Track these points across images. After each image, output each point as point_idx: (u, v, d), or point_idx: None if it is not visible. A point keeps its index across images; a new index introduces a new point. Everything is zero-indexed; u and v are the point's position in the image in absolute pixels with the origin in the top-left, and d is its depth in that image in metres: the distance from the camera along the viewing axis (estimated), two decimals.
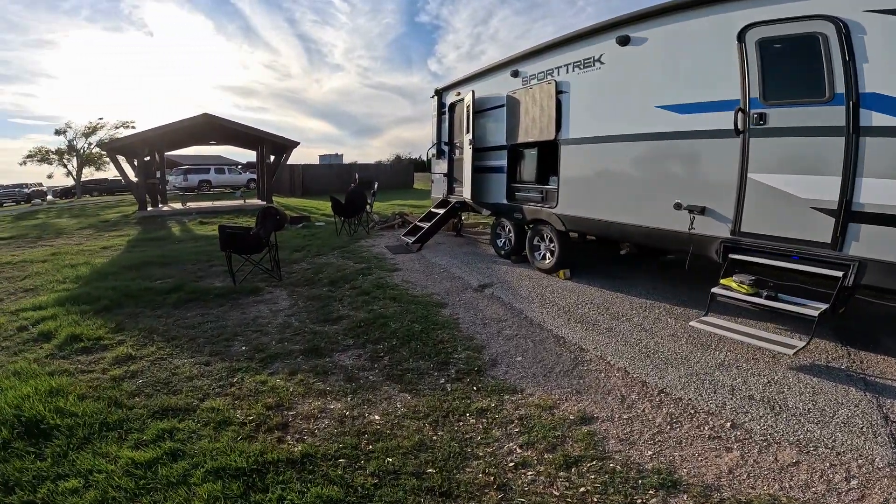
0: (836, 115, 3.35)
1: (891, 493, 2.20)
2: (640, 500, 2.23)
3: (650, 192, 4.76)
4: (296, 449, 2.64)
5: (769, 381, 3.28)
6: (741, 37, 3.81)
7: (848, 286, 3.40)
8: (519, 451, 2.62)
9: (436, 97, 9.43)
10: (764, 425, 2.77)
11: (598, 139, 5.32)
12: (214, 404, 3.09)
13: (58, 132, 33.45)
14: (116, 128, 33.02)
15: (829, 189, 3.40)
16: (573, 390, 3.27)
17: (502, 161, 7.17)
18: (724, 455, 2.53)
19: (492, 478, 2.39)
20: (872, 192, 3.22)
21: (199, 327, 4.54)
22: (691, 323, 4.02)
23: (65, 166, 34.42)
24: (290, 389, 3.30)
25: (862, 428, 2.70)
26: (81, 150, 33.47)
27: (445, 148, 9.21)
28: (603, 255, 7.03)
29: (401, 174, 29.88)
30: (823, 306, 3.48)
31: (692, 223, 4.22)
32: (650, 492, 2.27)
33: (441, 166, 9.41)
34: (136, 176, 16.70)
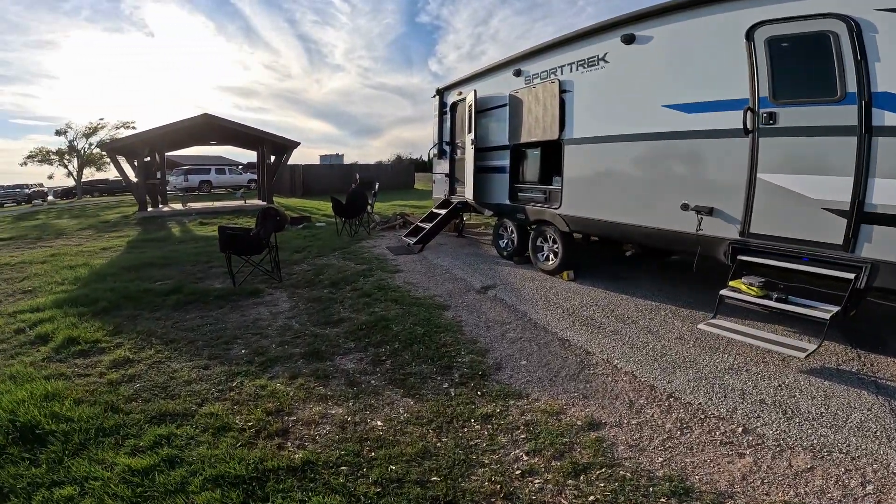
0: (847, 115, 3.29)
1: None
2: None
3: (656, 192, 4.69)
4: (296, 456, 2.58)
5: (780, 385, 3.22)
6: (750, 35, 3.74)
7: (860, 288, 3.34)
8: (525, 458, 2.55)
9: (437, 97, 9.36)
10: (776, 430, 2.71)
11: (602, 139, 5.25)
12: (213, 409, 3.02)
13: (58, 133, 33.49)
14: (117, 128, 33.05)
15: (840, 190, 3.33)
16: (580, 395, 3.20)
17: (505, 161, 7.11)
18: (737, 461, 2.47)
19: (498, 486, 2.32)
20: (885, 193, 3.15)
21: (199, 330, 4.48)
22: (699, 326, 3.95)
23: (65, 167, 34.43)
24: (291, 394, 3.23)
25: (875, 432, 2.65)
26: (82, 151, 33.45)
27: (447, 148, 9.14)
28: (606, 255, 6.96)
29: (402, 174, 29.83)
30: (835, 309, 3.41)
31: (700, 224, 4.15)
32: (662, 500, 2.21)
33: (442, 166, 9.35)
34: (136, 176, 16.65)
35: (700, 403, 3.02)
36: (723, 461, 2.48)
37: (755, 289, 3.68)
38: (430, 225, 8.31)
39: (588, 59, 5.36)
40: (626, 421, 2.88)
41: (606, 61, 5.14)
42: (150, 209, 16.34)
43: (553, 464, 2.49)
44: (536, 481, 2.36)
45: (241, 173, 31.58)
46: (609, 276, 6.11)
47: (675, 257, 6.92)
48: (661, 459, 2.51)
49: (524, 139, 6.58)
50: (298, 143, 18.00)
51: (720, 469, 2.42)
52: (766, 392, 3.13)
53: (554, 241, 6.20)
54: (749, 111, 3.73)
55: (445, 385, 3.36)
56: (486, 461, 2.53)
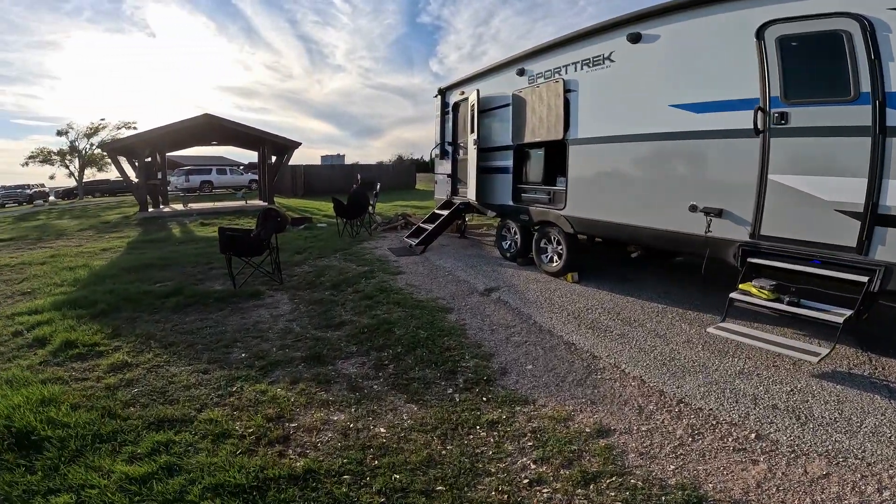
0: (861, 115, 3.22)
1: None
2: None
3: (664, 193, 4.62)
4: (298, 464, 2.51)
5: (792, 390, 3.15)
6: (760, 34, 3.68)
7: (873, 292, 3.27)
8: (533, 466, 2.48)
9: (439, 97, 9.30)
10: (790, 436, 2.65)
11: (608, 139, 5.18)
12: (212, 415, 2.96)
13: (59, 133, 33.36)
14: (118, 128, 32.88)
15: (854, 191, 3.26)
16: (588, 401, 3.13)
17: (508, 161, 7.04)
18: (751, 468, 2.41)
19: (505, 496, 2.26)
20: None
21: (198, 333, 4.41)
22: (709, 329, 3.88)
23: (67, 167, 34.35)
24: (292, 399, 3.16)
25: (890, 437, 2.59)
26: (83, 152, 33.39)
27: (449, 148, 9.08)
28: (611, 257, 6.90)
29: (403, 174, 29.78)
30: (848, 312, 3.35)
31: (709, 226, 4.08)
32: None
33: (445, 167, 9.28)
34: (136, 177, 16.60)
35: (711, 409, 2.96)
36: (736, 468, 2.42)
37: (766, 292, 3.61)
38: (433, 226, 8.24)
39: (593, 58, 5.29)
40: (635, 427, 2.81)
41: (612, 60, 5.07)
42: (150, 210, 16.30)
43: (562, 472, 2.42)
44: (545, 491, 2.30)
45: (242, 174, 31.51)
46: (614, 277, 6.04)
47: (680, 258, 6.86)
48: (672, 467, 2.45)
49: (528, 139, 6.51)
50: (299, 144, 17.97)
51: (734, 476, 2.36)
52: (778, 397, 3.07)
53: (558, 243, 6.13)
54: (760, 111, 3.66)
55: (450, 390, 3.29)
56: (493, 470, 2.46)
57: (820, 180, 3.43)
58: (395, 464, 2.50)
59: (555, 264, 6.18)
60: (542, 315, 4.72)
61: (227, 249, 5.82)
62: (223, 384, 3.38)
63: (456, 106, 8.79)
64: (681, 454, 2.55)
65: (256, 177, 25.28)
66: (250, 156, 30.56)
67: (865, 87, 3.20)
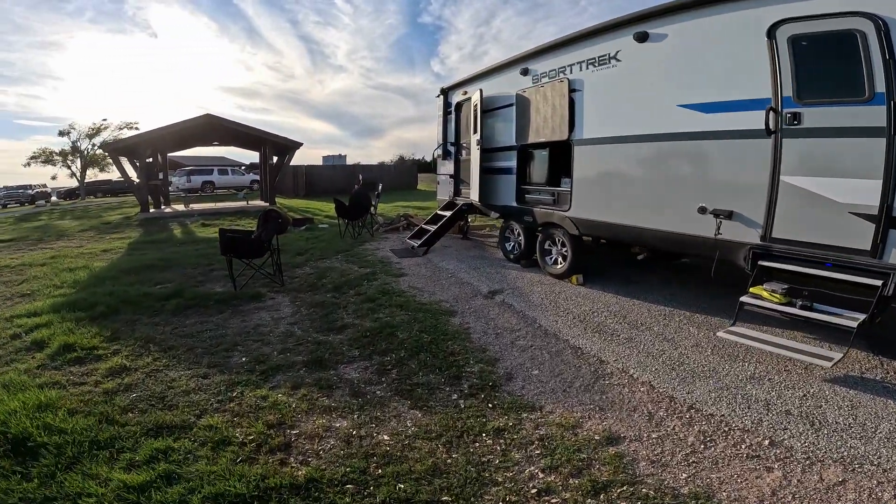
0: (876, 116, 3.15)
1: None
2: None
3: (672, 195, 4.54)
4: (300, 473, 2.45)
5: (805, 395, 3.09)
6: (771, 33, 3.60)
7: (887, 295, 3.19)
8: (541, 475, 2.42)
9: (441, 96, 9.23)
10: (805, 442, 2.60)
11: (614, 139, 5.11)
12: (212, 421, 2.89)
13: (61, 133, 33.36)
14: (120, 129, 32.83)
15: (869, 193, 3.18)
16: (596, 407, 3.06)
17: (511, 162, 6.97)
18: (766, 475, 2.36)
19: None
20: None
21: (198, 336, 4.35)
22: (719, 334, 3.80)
23: (69, 168, 34.36)
24: (293, 405, 3.10)
25: None
26: (85, 152, 33.38)
27: (452, 148, 9.01)
28: (615, 258, 6.81)
29: (404, 175, 29.73)
30: (861, 316, 3.27)
31: (718, 228, 4.00)
32: None
33: (447, 167, 9.22)
34: (138, 177, 16.57)
35: (723, 415, 2.89)
36: (750, 476, 2.36)
37: (778, 295, 3.53)
38: (435, 227, 8.17)
39: (599, 57, 5.22)
40: (646, 435, 2.75)
41: (618, 60, 4.99)
42: (152, 210, 16.26)
43: (571, 482, 2.36)
44: (554, 501, 2.23)
45: (243, 174, 31.49)
46: (619, 279, 5.97)
47: (685, 260, 6.78)
48: (685, 475, 2.39)
49: (532, 140, 6.44)
50: (301, 144, 17.94)
51: (748, 484, 2.30)
52: (791, 402, 3.01)
53: (562, 245, 6.05)
54: (771, 111, 3.58)
55: (454, 396, 3.22)
56: (500, 479, 2.40)
57: (833, 182, 3.36)
58: (400, 473, 2.43)
59: (559, 266, 6.10)
60: (548, 318, 4.65)
61: (227, 251, 5.76)
62: (223, 389, 3.32)
63: (458, 106, 8.73)
64: (693, 462, 2.49)
65: (258, 177, 25.25)
66: (252, 156, 30.50)
67: (880, 87, 3.13)
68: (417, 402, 3.14)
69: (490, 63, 7.56)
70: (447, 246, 8.60)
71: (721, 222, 3.99)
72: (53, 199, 33.07)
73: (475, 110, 7.59)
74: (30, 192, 31.43)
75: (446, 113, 9.14)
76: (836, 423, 2.76)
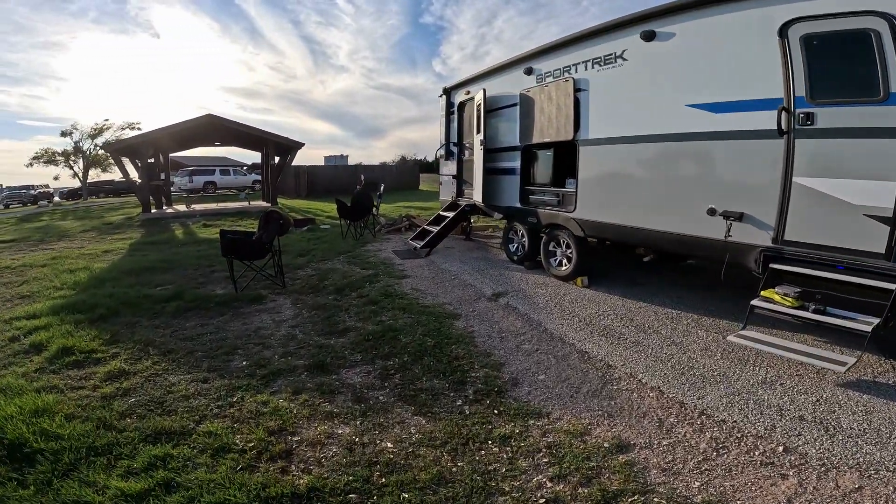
0: (891, 116, 3.09)
1: None
2: None
3: (680, 196, 4.47)
4: (301, 481, 2.39)
5: (818, 400, 3.02)
6: (783, 32, 3.53)
7: None
8: (549, 484, 2.35)
9: (444, 96, 9.17)
10: (819, 448, 2.54)
11: (621, 140, 5.03)
12: (212, 427, 2.83)
13: (64, 134, 33.36)
14: (122, 129, 32.86)
15: (883, 195, 3.12)
16: (604, 413, 2.99)
17: (515, 163, 6.90)
18: (780, 483, 2.30)
19: None
20: None
21: (198, 339, 4.28)
22: (730, 338, 3.73)
23: (71, 168, 34.40)
24: (294, 411, 3.03)
25: None
26: (87, 152, 33.41)
27: (454, 149, 8.95)
28: (620, 260, 6.74)
29: (406, 175, 29.68)
30: (875, 320, 3.21)
31: (728, 230, 3.92)
32: None
33: (450, 168, 9.15)
34: (139, 178, 16.53)
35: (735, 421, 2.83)
36: (765, 483, 2.31)
37: (790, 299, 3.46)
38: (438, 228, 8.11)
39: (605, 56, 5.14)
40: (656, 442, 2.68)
41: (625, 59, 4.92)
42: (153, 210, 16.23)
43: (580, 491, 2.29)
44: None
45: (245, 174, 31.46)
46: (625, 281, 5.89)
47: (691, 262, 6.70)
48: (697, 484, 2.33)
49: (536, 140, 6.37)
50: (303, 144, 17.89)
51: (763, 492, 2.25)
52: (804, 408, 2.94)
53: (567, 246, 5.98)
54: (784, 111, 3.51)
55: (459, 402, 3.15)
56: (507, 488, 2.33)
57: (847, 183, 3.28)
58: (404, 482, 2.37)
59: (564, 268, 6.03)
60: (553, 321, 4.58)
61: (228, 252, 5.70)
62: (223, 394, 3.26)
63: (461, 106, 8.66)
64: (705, 469, 2.43)
65: (260, 177, 25.22)
66: (254, 156, 30.49)
67: (895, 87, 3.06)
68: (421, 408, 3.07)
69: (492, 63, 7.49)
70: (450, 247, 8.53)
71: (731, 224, 3.91)
72: (56, 199, 33.11)
73: (478, 110, 7.53)
74: (32, 192, 31.48)
75: (449, 113, 9.08)
76: (851, 428, 2.70)
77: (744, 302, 3.78)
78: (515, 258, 7.11)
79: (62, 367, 3.71)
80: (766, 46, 3.62)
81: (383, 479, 2.40)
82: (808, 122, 3.43)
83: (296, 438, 2.76)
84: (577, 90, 5.53)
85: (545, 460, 2.53)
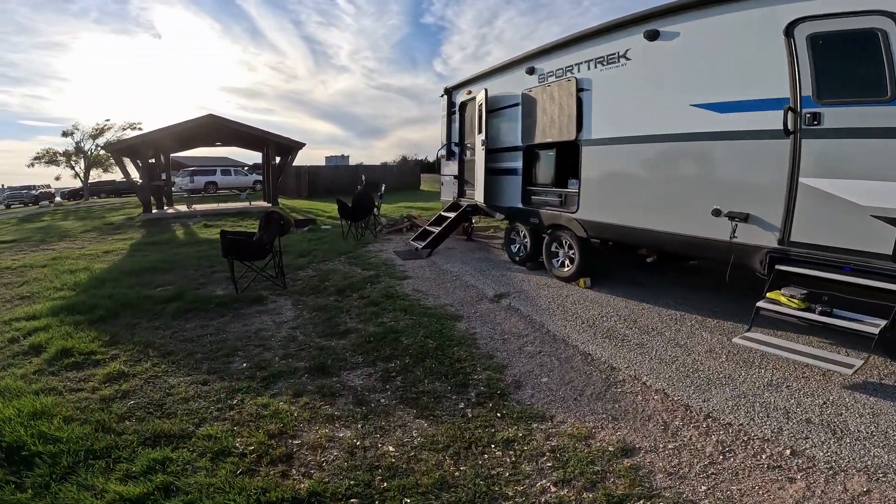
0: None
1: None
2: None
3: (684, 197, 4.42)
4: (302, 486, 2.36)
5: (825, 403, 2.99)
6: (789, 31, 3.49)
7: None
8: (554, 489, 2.32)
9: (445, 96, 9.14)
10: (827, 451, 2.52)
11: (624, 140, 4.99)
12: (212, 431, 2.80)
13: (65, 134, 33.28)
14: (124, 129, 32.82)
15: (891, 196, 3.08)
16: (609, 416, 2.95)
17: (517, 163, 6.86)
18: (788, 486, 2.28)
19: None
20: None
21: (198, 341, 4.25)
22: (735, 340, 3.69)
23: (72, 168, 34.39)
24: (295, 414, 3.00)
25: None
26: (89, 152, 33.40)
27: (456, 149, 8.91)
28: (622, 260, 6.69)
29: (407, 175, 29.66)
30: (882, 322, 3.17)
31: (734, 231, 3.88)
32: None
33: (451, 168, 9.12)
34: (140, 178, 16.52)
35: (741, 424, 2.80)
36: (772, 487, 2.28)
37: (796, 301, 3.42)
38: (439, 229, 8.07)
39: (607, 56, 5.10)
40: (661, 445, 2.65)
41: (628, 58, 4.88)
42: (154, 211, 16.21)
43: (585, 496, 2.26)
44: None
45: (246, 174, 31.45)
46: (627, 282, 5.85)
47: (694, 262, 6.66)
48: (704, 488, 2.30)
49: (538, 140, 6.33)
50: (303, 144, 17.86)
51: (770, 496, 2.23)
52: (811, 410, 2.91)
53: (570, 247, 5.94)
54: (790, 111, 3.47)
55: (461, 405, 3.11)
56: (511, 493, 2.30)
57: (855, 184, 3.24)
58: (406, 486, 2.34)
59: (566, 269, 5.99)
60: (556, 323, 4.54)
61: (228, 253, 5.67)
62: (223, 397, 3.23)
63: (463, 106, 8.63)
64: (712, 473, 2.40)
65: (261, 177, 25.20)
66: (255, 156, 30.46)
67: None
68: (423, 411, 3.04)
69: (494, 63, 7.45)
70: (451, 248, 8.50)
71: (736, 225, 3.87)
72: (57, 199, 33.12)
73: (480, 110, 7.49)
74: (33, 192, 31.51)
75: (450, 113, 9.04)
76: (858, 431, 2.68)
77: (747, 303, 3.74)
78: (517, 259, 7.07)
79: (61, 369, 3.68)
80: (772, 46, 3.58)
81: (385, 484, 2.37)
82: (815, 122, 3.39)
83: (296, 442, 2.73)
84: (579, 90, 5.49)
85: (549, 464, 2.50)
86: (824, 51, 3.38)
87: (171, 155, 20.73)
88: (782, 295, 3.50)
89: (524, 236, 6.90)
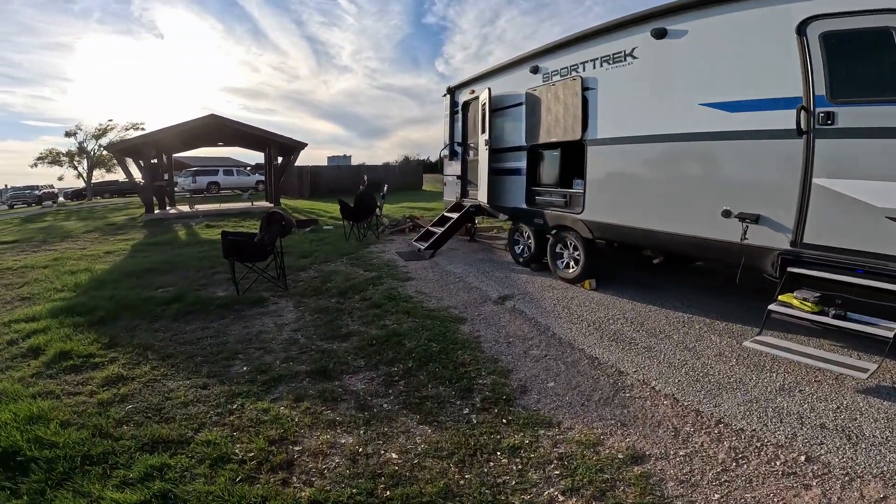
0: None
1: None
2: None
3: (693, 197, 4.34)
4: (303, 494, 2.30)
5: (839, 407, 2.92)
6: (801, 30, 3.41)
7: None
8: (562, 498, 2.25)
9: (448, 95, 9.07)
10: (843, 457, 2.45)
11: (631, 139, 4.91)
12: (211, 436, 2.74)
13: (68, 134, 33.37)
14: (126, 129, 32.87)
15: None
16: (617, 422, 2.88)
17: (521, 163, 6.79)
18: (804, 493, 2.22)
19: None
20: None
21: (198, 343, 4.19)
22: (746, 343, 3.61)
23: (75, 168, 34.44)
24: (296, 419, 2.93)
25: None
26: (92, 153, 33.44)
27: (458, 149, 8.84)
28: (627, 261, 6.61)
29: (409, 175, 29.62)
30: None
31: (744, 233, 3.79)
32: None
33: (454, 168, 9.05)
34: (143, 178, 16.50)
35: (754, 430, 2.73)
36: (788, 494, 2.22)
37: (809, 304, 3.34)
38: (442, 230, 8.01)
39: (613, 54, 5.03)
40: (672, 452, 2.57)
41: (634, 57, 4.80)
42: (156, 211, 16.19)
43: None
44: None
45: (249, 174, 31.44)
46: (633, 284, 5.77)
47: (699, 263, 6.58)
48: (717, 496, 2.23)
49: (542, 139, 6.26)
50: (305, 144, 17.82)
51: (786, 503, 2.15)
52: (825, 415, 2.84)
53: (575, 248, 5.86)
54: (803, 110, 3.38)
55: (466, 410, 3.04)
56: (517, 502, 2.23)
57: (870, 185, 3.16)
58: (409, 495, 2.27)
59: (571, 270, 5.91)
60: (561, 326, 4.47)
61: (229, 254, 5.62)
62: (223, 401, 3.16)
63: (465, 105, 8.56)
64: (725, 481, 2.33)
65: (263, 178, 25.19)
66: (257, 157, 30.47)
67: None
68: (427, 417, 2.96)
69: (496, 62, 7.37)
70: (454, 248, 8.43)
71: (747, 227, 3.78)
72: (60, 199, 33.17)
73: (483, 109, 7.42)
74: (37, 192, 31.54)
75: (453, 112, 8.98)
76: (874, 436, 2.61)
77: (754, 305, 3.67)
78: (521, 260, 7.00)
79: (59, 372, 3.63)
80: (784, 44, 3.50)
81: (388, 493, 2.30)
82: (829, 122, 3.31)
83: (297, 448, 2.67)
84: (584, 89, 5.42)
85: (557, 472, 2.43)
86: (837, 49, 3.30)
87: (174, 155, 20.69)
88: (795, 298, 3.42)
89: (528, 237, 6.82)
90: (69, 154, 33.75)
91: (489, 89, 7.31)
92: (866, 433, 2.63)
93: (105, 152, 32.55)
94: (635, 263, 6.61)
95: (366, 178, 16.37)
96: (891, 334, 3.05)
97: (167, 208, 17.47)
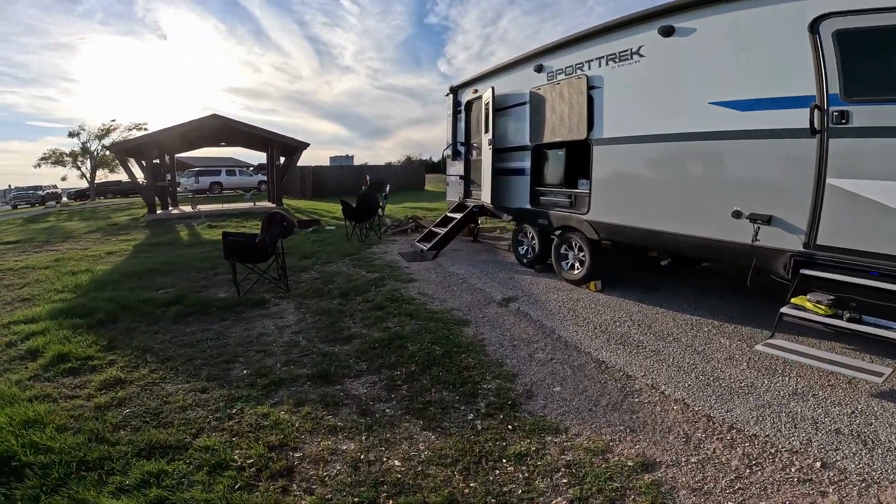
0: None
1: None
2: None
3: (703, 198, 4.26)
4: (303, 502, 2.24)
5: (853, 412, 2.85)
6: (814, 28, 3.33)
7: None
8: None
9: (450, 95, 9.00)
10: (859, 463, 2.39)
11: (638, 139, 4.82)
12: (209, 442, 2.68)
13: (71, 134, 33.42)
14: (129, 129, 32.88)
15: None
16: (626, 428, 2.80)
17: (525, 163, 6.71)
18: (820, 501, 2.17)
19: None
20: None
21: (198, 346, 4.13)
22: (758, 347, 3.52)
23: (79, 169, 34.50)
24: (296, 425, 2.87)
25: None
26: (95, 153, 33.49)
27: (461, 149, 8.78)
28: (633, 263, 6.52)
29: (412, 175, 29.56)
30: None
31: (756, 234, 3.71)
32: None
33: (456, 168, 8.99)
34: (145, 178, 16.49)
35: (767, 435, 2.65)
36: (804, 501, 2.17)
37: (823, 307, 3.25)
38: (445, 230, 7.94)
39: (620, 52, 4.95)
40: (684, 459, 2.50)
41: (641, 55, 4.72)
42: (159, 211, 16.17)
43: None
44: None
45: (251, 175, 31.43)
46: (638, 286, 5.68)
47: (706, 264, 6.49)
48: None
49: (547, 139, 6.18)
50: (308, 145, 17.78)
51: None
52: (840, 420, 2.77)
53: (580, 249, 5.78)
54: (816, 109, 3.30)
55: (470, 416, 2.97)
56: None
57: (885, 185, 3.07)
58: None
59: (576, 272, 5.83)
60: (567, 328, 4.39)
61: (231, 255, 5.56)
62: (222, 406, 3.10)
63: (468, 105, 8.49)
64: (739, 489, 2.27)
65: (266, 178, 25.16)
66: (260, 157, 30.48)
67: None
68: (430, 423, 2.89)
69: (498, 62, 7.30)
70: (457, 249, 8.36)
71: (759, 228, 3.70)
72: (64, 200, 33.24)
73: (487, 109, 7.35)
74: (40, 193, 31.61)
75: (456, 112, 8.91)
76: (890, 441, 2.55)
77: (763, 307, 3.59)
78: (525, 261, 6.92)
79: (57, 375, 3.58)
80: (796, 42, 3.42)
81: (391, 501, 2.24)
82: (843, 121, 3.22)
83: (298, 455, 2.60)
84: (590, 88, 5.34)
85: (564, 481, 2.36)
86: (851, 47, 3.22)
87: (176, 155, 20.69)
88: (808, 301, 3.33)
89: (532, 238, 6.74)
90: (72, 154, 33.81)
91: (493, 88, 7.24)
92: (882, 438, 2.57)
93: (108, 153, 32.59)
94: (641, 265, 6.51)
95: (368, 178, 16.32)
96: None
97: (169, 208, 17.45)
